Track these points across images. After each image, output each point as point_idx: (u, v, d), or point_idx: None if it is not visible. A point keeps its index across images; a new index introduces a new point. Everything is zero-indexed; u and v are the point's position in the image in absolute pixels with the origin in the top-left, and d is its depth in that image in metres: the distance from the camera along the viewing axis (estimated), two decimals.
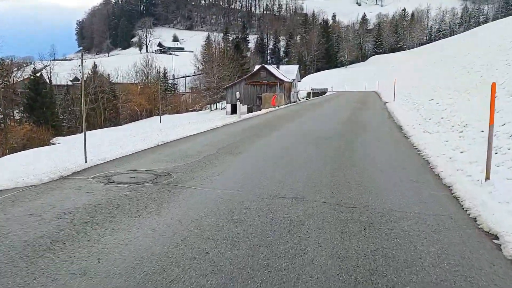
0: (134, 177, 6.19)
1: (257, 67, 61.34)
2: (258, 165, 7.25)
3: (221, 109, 61.37)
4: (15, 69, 72.88)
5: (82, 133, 9.29)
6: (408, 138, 10.75)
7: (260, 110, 38.43)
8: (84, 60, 14.61)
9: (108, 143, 22.26)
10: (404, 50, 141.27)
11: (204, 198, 5.18)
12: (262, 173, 6.53)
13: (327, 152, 8.84)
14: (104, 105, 66.35)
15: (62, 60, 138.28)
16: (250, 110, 47.16)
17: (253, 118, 18.27)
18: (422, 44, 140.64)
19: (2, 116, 58.99)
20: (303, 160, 7.70)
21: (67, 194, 5.30)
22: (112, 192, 5.35)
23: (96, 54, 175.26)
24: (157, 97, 61.34)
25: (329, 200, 5.11)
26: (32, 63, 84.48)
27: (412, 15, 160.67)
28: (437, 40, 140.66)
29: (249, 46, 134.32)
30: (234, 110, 49.82)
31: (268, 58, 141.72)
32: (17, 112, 61.47)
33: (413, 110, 17.32)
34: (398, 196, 5.31)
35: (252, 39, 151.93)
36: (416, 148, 9.13)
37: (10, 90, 61.65)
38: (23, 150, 39.91)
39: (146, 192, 5.36)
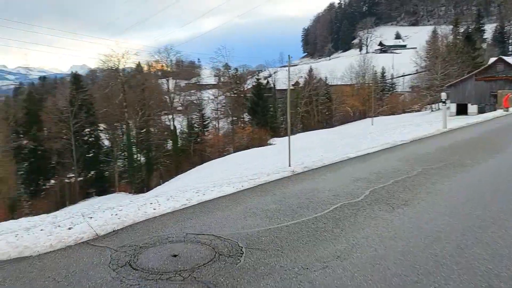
0: (177, 255, 3.87)
1: (492, 59, 51.01)
2: (424, 248, 3.80)
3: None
4: (249, 77, 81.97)
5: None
6: None
7: (495, 110, 32.41)
8: (292, 65, 13.54)
9: (312, 147, 21.06)
10: None
11: None
12: (427, 277, 3.21)
13: None
14: (318, 107, 67.43)
15: (287, 66, 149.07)
16: (481, 111, 39.89)
17: (466, 129, 13.42)
18: None
19: (235, 118, 67.05)
20: None
21: None
22: None
23: (318, 58, 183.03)
24: (371, 98, 58.67)
25: None
26: (262, 70, 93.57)
27: None
28: None
29: (484, 37, 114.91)
30: (460, 111, 43.16)
31: (510, 49, 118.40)
32: (246, 115, 68.57)
33: None
34: None
35: (489, 28, 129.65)
36: None
37: (241, 95, 69.30)
38: (245, 149, 43.90)
39: None
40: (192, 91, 70.90)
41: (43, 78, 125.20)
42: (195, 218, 5.20)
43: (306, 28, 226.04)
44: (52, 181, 50.78)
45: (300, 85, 68.66)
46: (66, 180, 49.70)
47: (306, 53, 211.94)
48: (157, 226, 4.96)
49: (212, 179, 17.93)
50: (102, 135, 55.89)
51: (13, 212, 37.32)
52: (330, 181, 6.75)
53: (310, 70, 72.78)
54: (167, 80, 66.00)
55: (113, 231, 4.86)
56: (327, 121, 67.99)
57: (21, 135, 51.01)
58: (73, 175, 49.27)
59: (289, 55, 17.74)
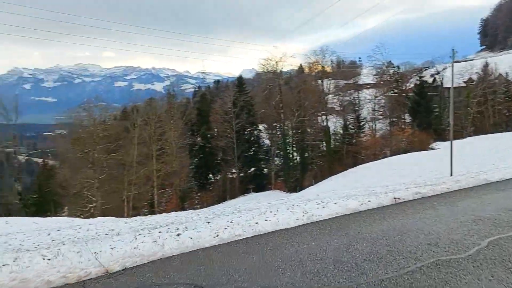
0: None
1: None
2: None
3: None
4: (414, 74, 76.48)
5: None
6: None
7: None
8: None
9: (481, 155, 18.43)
10: None
11: None
12: None
13: None
14: (494, 107, 58.79)
15: (461, 61, 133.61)
16: None
17: None
18: None
19: (394, 119, 63.44)
20: None
21: None
22: None
23: (499, 51, 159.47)
24: None
25: None
26: (429, 67, 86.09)
27: None
28: None
29: None
30: None
31: None
32: (407, 116, 64.25)
33: None
34: None
35: None
36: None
37: (403, 95, 65.17)
38: (404, 153, 41.19)
39: None
40: (350, 91, 69.64)
41: (217, 82, 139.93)
42: (227, 261, 4.49)
43: (484, 18, 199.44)
44: (218, 176, 56.39)
45: (473, 82, 60.87)
46: (229, 176, 54.51)
47: (484, 47, 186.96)
48: (172, 269, 4.35)
49: (355, 186, 17.20)
50: (263, 135, 59.41)
51: (183, 202, 42.68)
52: (437, 218, 4.97)
53: (485, 65, 63.86)
54: (322, 81, 66.33)
55: (124, 269, 4.56)
56: (507, 124, 58.68)
57: (195, 134, 57.91)
58: (234, 171, 53.77)
59: (453, 49, 15.68)
